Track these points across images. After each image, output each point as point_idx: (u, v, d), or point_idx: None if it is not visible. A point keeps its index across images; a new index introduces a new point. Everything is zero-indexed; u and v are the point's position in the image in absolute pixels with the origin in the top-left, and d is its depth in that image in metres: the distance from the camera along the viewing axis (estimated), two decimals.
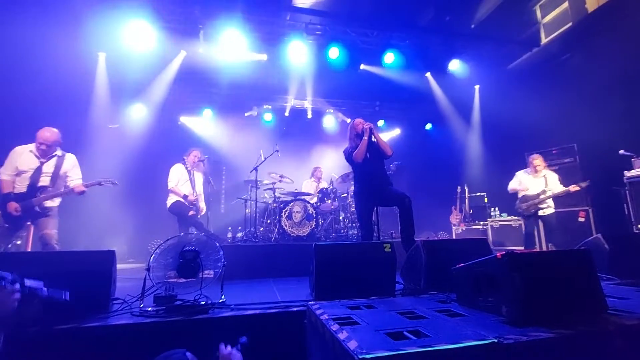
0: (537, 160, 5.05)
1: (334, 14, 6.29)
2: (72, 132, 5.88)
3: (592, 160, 5.67)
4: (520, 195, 5.12)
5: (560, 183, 5.01)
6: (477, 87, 7.80)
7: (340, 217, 6.08)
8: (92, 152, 6.25)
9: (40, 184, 3.44)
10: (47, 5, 4.92)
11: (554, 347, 1.30)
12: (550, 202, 4.94)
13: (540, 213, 4.94)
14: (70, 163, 3.68)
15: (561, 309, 1.57)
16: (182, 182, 4.82)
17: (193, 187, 4.86)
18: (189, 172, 4.90)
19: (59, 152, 3.64)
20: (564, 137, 5.95)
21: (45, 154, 3.52)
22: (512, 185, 5.23)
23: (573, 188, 4.81)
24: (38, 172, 3.45)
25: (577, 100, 5.85)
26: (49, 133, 3.51)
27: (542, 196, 4.89)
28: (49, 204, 3.50)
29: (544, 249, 5.64)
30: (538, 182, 5.01)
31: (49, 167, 3.51)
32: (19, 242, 4.10)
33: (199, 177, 5.09)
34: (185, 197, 4.74)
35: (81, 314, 2.12)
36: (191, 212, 4.72)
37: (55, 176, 3.51)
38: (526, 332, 1.34)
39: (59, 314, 2.07)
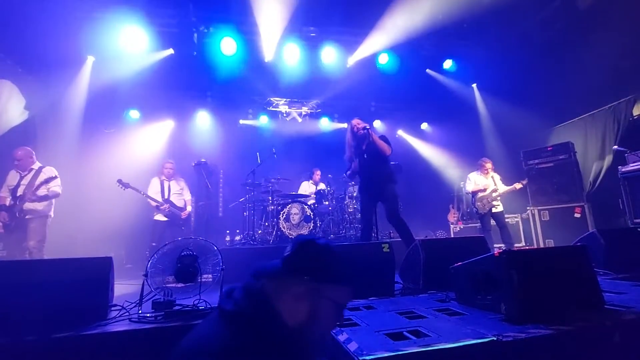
0: (489, 163, 5.59)
1: (328, 15, 6.30)
2: (68, 136, 5.89)
3: (587, 156, 5.71)
4: (476, 195, 5.51)
5: (502, 182, 5.53)
6: (474, 85, 7.81)
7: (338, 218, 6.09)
8: (88, 156, 6.25)
9: (18, 194, 3.97)
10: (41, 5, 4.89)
11: (552, 344, 1.31)
12: (499, 200, 5.44)
13: (494, 210, 5.38)
14: (46, 174, 4.13)
15: (559, 305, 1.58)
16: (155, 190, 5.26)
17: (163, 196, 5.24)
18: (161, 182, 5.32)
19: (35, 166, 4.16)
20: (560, 135, 6.01)
21: (22, 169, 4.07)
22: (470, 187, 5.61)
23: (518, 185, 5.34)
24: (17, 184, 4.02)
25: (571, 97, 5.90)
26: (20, 151, 4.09)
27: (494, 194, 5.38)
28: (28, 207, 3.97)
29: (541, 245, 5.69)
30: (488, 182, 5.50)
31: (26, 179, 4.05)
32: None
33: (175, 186, 5.44)
34: (157, 206, 5.14)
35: (79, 322, 2.10)
36: (157, 217, 5.20)
37: (31, 186, 3.99)
38: (525, 329, 1.35)
39: (57, 322, 2.06)
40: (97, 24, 5.43)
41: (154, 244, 4.86)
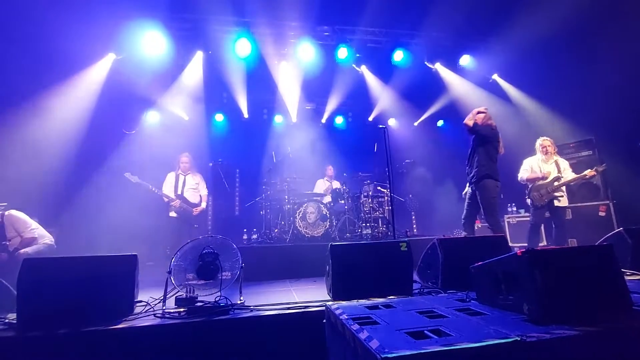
0: (547, 140, 4.72)
1: (341, 14, 6.30)
2: (92, 137, 6.10)
3: (611, 153, 5.51)
4: (532, 183, 4.71)
5: (572, 171, 4.72)
6: (494, 76, 7.61)
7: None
8: (108, 156, 6.45)
9: None
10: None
11: (578, 345, 1.29)
12: (564, 192, 4.60)
13: (556, 203, 4.55)
14: (9, 222, 3.81)
15: (584, 306, 1.55)
16: (169, 185, 5.23)
17: (176, 191, 5.18)
18: (176, 176, 5.27)
19: None
20: (582, 130, 5.81)
21: None
22: (524, 174, 4.78)
23: (590, 173, 4.49)
24: None
25: (595, 91, 5.69)
26: None
27: (556, 183, 4.52)
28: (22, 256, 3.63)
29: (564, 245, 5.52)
30: (550, 169, 4.66)
31: None
32: None
33: (190, 180, 5.36)
34: (168, 202, 5.13)
35: (107, 316, 2.19)
36: (171, 214, 5.17)
37: (2, 239, 3.72)
38: (549, 330, 1.33)
39: (87, 317, 2.15)
40: (121, 27, 5.61)
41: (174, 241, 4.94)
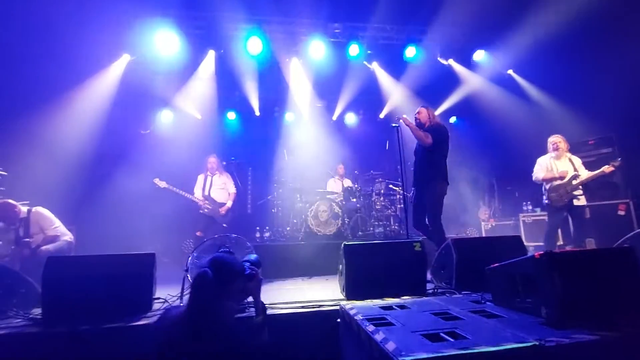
0: (558, 137, 4.58)
1: (352, 11, 6.26)
2: (108, 137, 6.23)
3: (632, 150, 5.34)
4: (550, 184, 4.53)
5: (585, 168, 4.54)
6: (509, 71, 7.45)
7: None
8: (127, 156, 6.58)
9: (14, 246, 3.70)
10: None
11: (598, 350, 1.27)
12: (581, 191, 4.43)
13: (576, 202, 4.37)
14: (35, 219, 3.81)
15: (604, 310, 1.52)
16: (198, 187, 5.46)
17: (204, 192, 5.38)
18: (205, 178, 5.46)
19: (23, 215, 3.78)
20: (602, 127, 5.64)
21: (10, 223, 3.77)
22: (539, 173, 4.62)
23: (607, 169, 4.29)
24: (10, 242, 3.77)
25: (616, 87, 5.52)
26: None
27: (574, 182, 4.36)
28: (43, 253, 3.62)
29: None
30: (565, 167, 4.49)
31: (20, 232, 3.75)
32: None
33: (217, 180, 5.50)
34: (198, 201, 5.33)
35: (127, 313, 2.25)
36: (201, 211, 5.32)
37: (25, 236, 3.72)
38: (568, 334, 1.31)
39: (107, 313, 2.22)
40: (135, 27, 5.70)
41: (198, 233, 5.08)
